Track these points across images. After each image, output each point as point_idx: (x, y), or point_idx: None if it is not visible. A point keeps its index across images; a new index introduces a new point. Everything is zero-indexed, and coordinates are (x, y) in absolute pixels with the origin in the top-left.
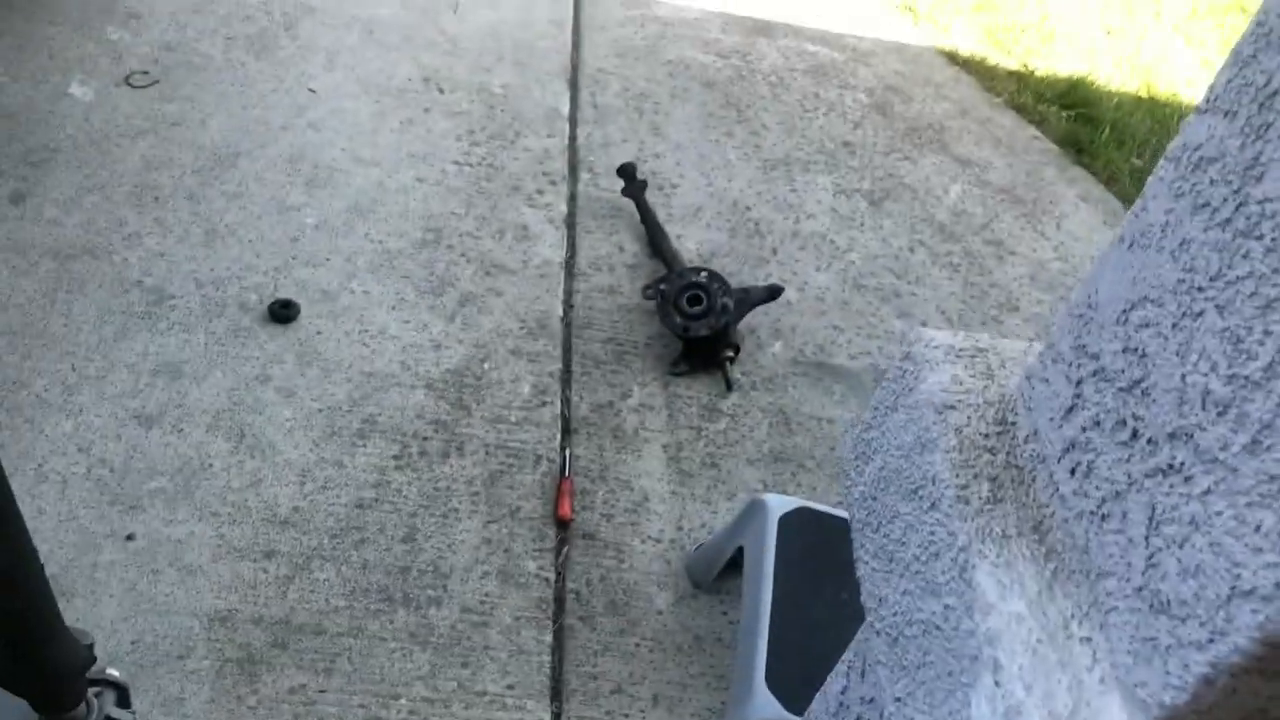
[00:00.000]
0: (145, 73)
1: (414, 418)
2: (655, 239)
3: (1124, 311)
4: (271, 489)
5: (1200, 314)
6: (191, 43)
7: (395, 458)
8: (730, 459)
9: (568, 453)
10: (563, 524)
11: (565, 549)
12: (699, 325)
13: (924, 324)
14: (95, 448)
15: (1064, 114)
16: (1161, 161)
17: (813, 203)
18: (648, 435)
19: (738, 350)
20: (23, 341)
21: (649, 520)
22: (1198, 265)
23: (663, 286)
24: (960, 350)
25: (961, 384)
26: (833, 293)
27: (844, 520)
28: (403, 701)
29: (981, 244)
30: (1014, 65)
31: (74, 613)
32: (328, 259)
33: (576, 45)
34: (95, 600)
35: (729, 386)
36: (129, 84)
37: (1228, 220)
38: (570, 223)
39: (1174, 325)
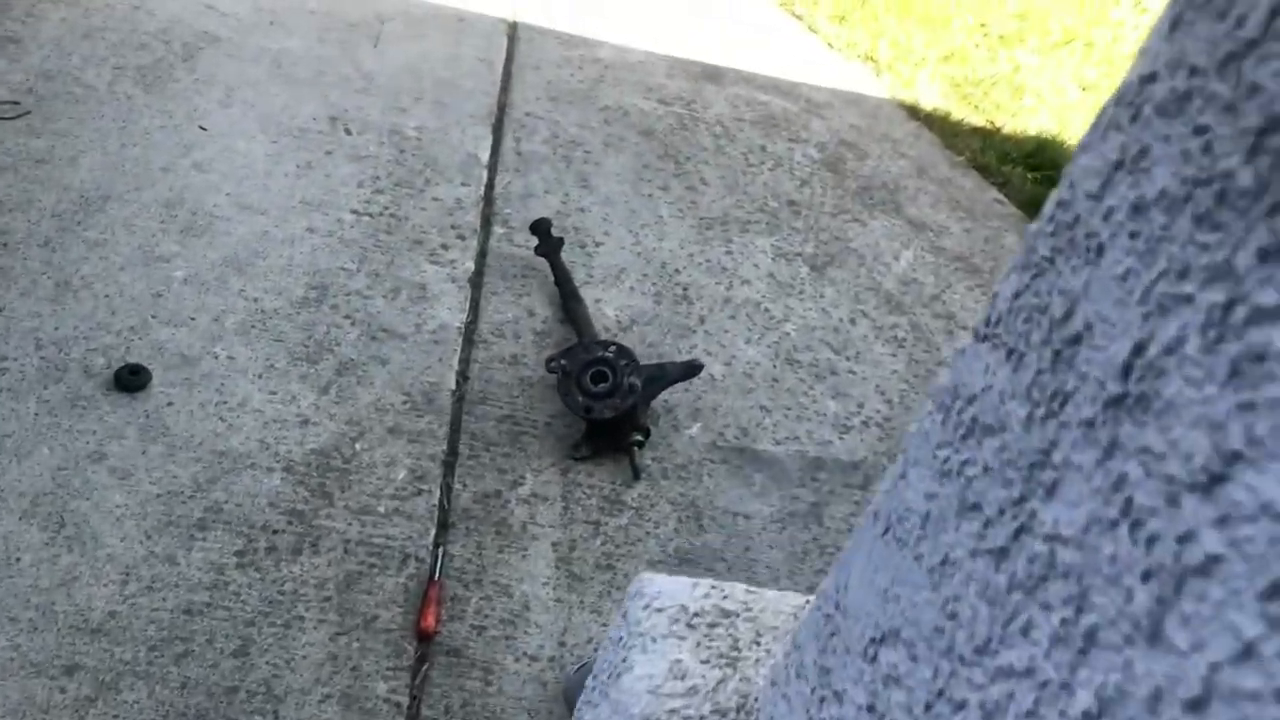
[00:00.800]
0: (15, 103)
1: (266, 506)
2: (568, 304)
3: (872, 642)
4: (87, 589)
5: (962, 705)
6: (74, 71)
7: (238, 554)
8: (629, 559)
9: (440, 551)
10: (425, 637)
11: (424, 668)
12: (603, 406)
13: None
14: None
15: (1030, 176)
16: (929, 394)
17: (749, 267)
18: (537, 531)
19: (647, 434)
20: None
21: (527, 634)
22: (962, 616)
23: (563, 361)
24: (697, 615)
25: (685, 676)
26: (762, 368)
27: None
28: None
29: (930, 317)
30: (980, 121)
31: None
32: (192, 318)
33: (506, 86)
34: None
35: (635, 475)
36: None
37: (1003, 551)
38: (476, 282)
39: (927, 704)
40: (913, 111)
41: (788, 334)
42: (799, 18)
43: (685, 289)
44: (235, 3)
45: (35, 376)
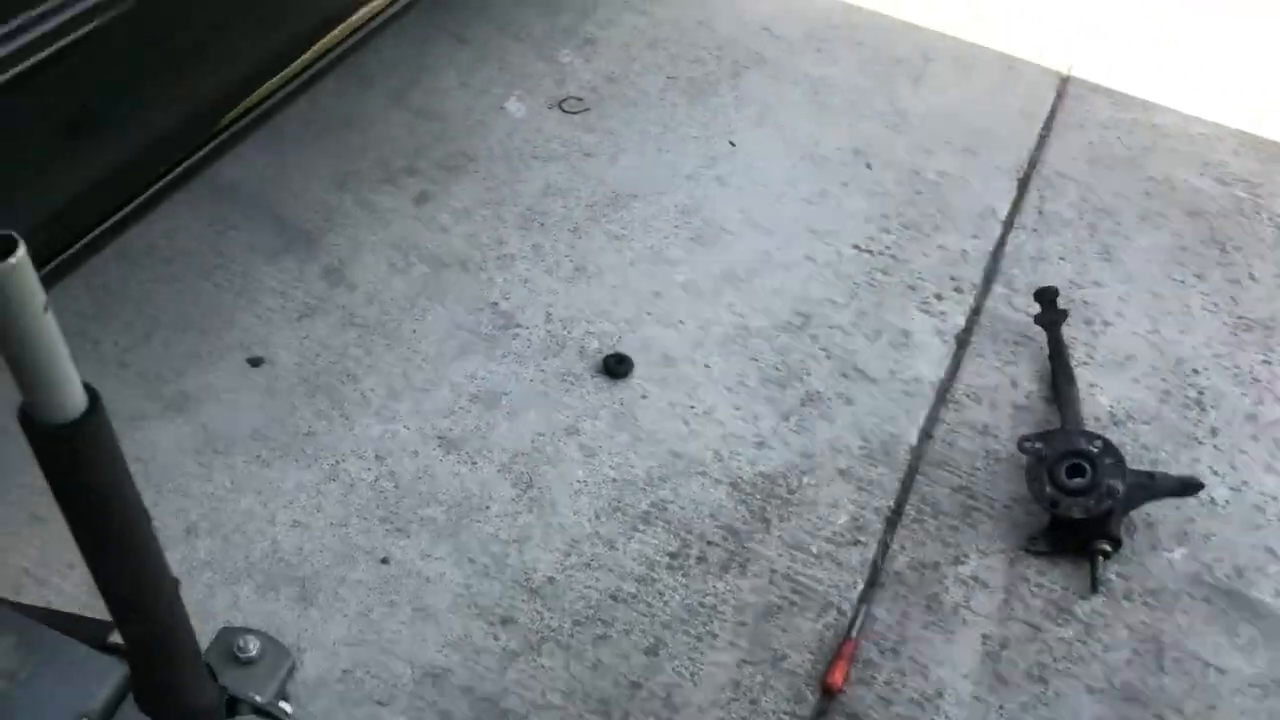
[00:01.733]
0: (579, 99)
1: (706, 516)
2: (1058, 382)
3: None
4: (535, 551)
5: None
6: (634, 76)
7: (670, 555)
8: (1066, 679)
9: (864, 609)
10: (829, 692)
11: None
12: (1073, 503)
13: None
14: (391, 459)
15: None
16: None
17: None
18: (969, 617)
19: (1118, 545)
20: (372, 337)
21: None
22: None
23: (1039, 445)
24: None
25: None
26: None
27: None
28: None
29: None
30: None
31: (305, 623)
32: (681, 322)
33: (1042, 141)
34: (329, 616)
35: (1094, 587)
36: (561, 108)
37: None
38: (963, 340)
39: None
40: None
41: None
42: None
43: (1201, 393)
44: (789, 27)
45: (539, 347)
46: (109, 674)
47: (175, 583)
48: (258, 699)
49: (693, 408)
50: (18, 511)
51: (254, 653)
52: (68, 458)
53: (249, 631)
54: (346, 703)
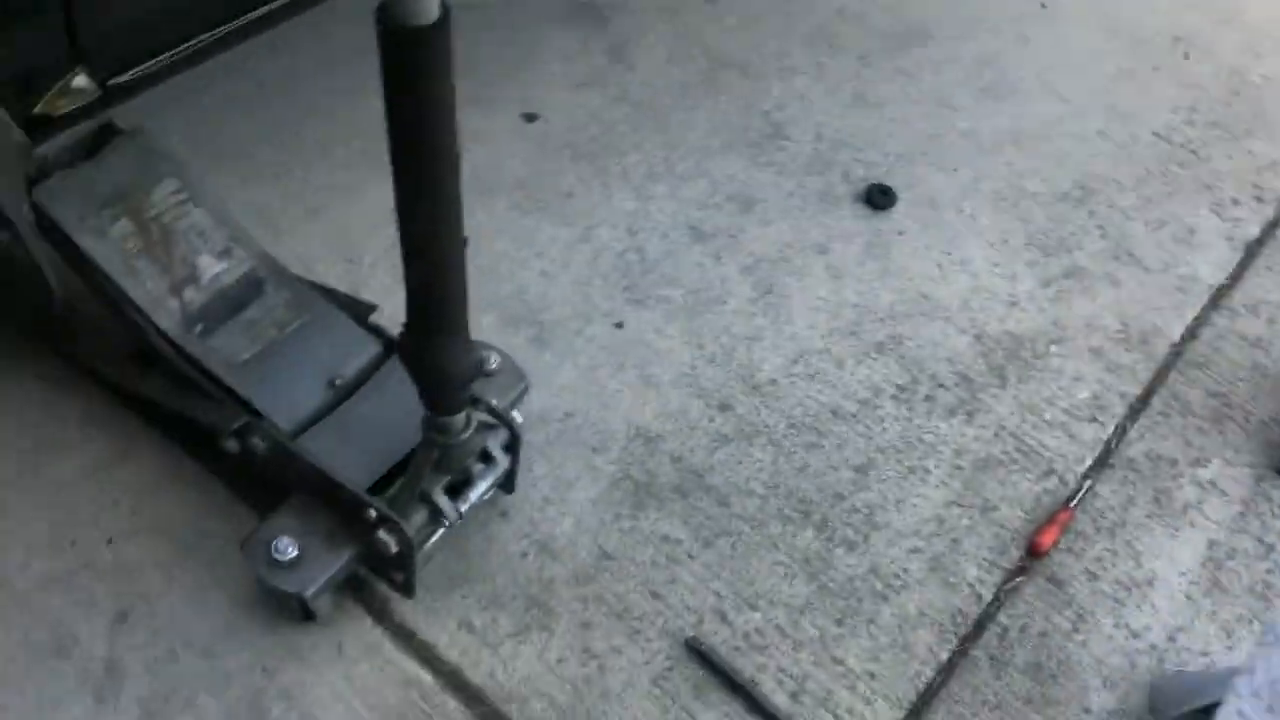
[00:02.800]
0: None
1: (943, 359)
2: None
3: None
4: (763, 351)
5: None
6: None
7: (898, 388)
8: None
9: (1088, 484)
10: (1034, 553)
11: (1019, 579)
12: None
13: None
14: (641, 235)
15: None
16: None
17: None
18: (1198, 520)
19: None
20: (641, 117)
21: (1139, 608)
22: None
23: None
24: None
25: None
26: None
27: None
28: (756, 615)
29: None
30: None
31: (538, 362)
32: (955, 170)
33: None
34: (560, 361)
35: None
36: None
37: None
38: (1253, 250)
39: None
40: None
41: None
42: None
43: None
44: None
45: (804, 162)
46: (364, 348)
47: (465, 240)
48: (493, 402)
49: (949, 254)
50: (296, 205)
51: (494, 366)
52: (416, 61)
53: (493, 348)
54: (563, 441)
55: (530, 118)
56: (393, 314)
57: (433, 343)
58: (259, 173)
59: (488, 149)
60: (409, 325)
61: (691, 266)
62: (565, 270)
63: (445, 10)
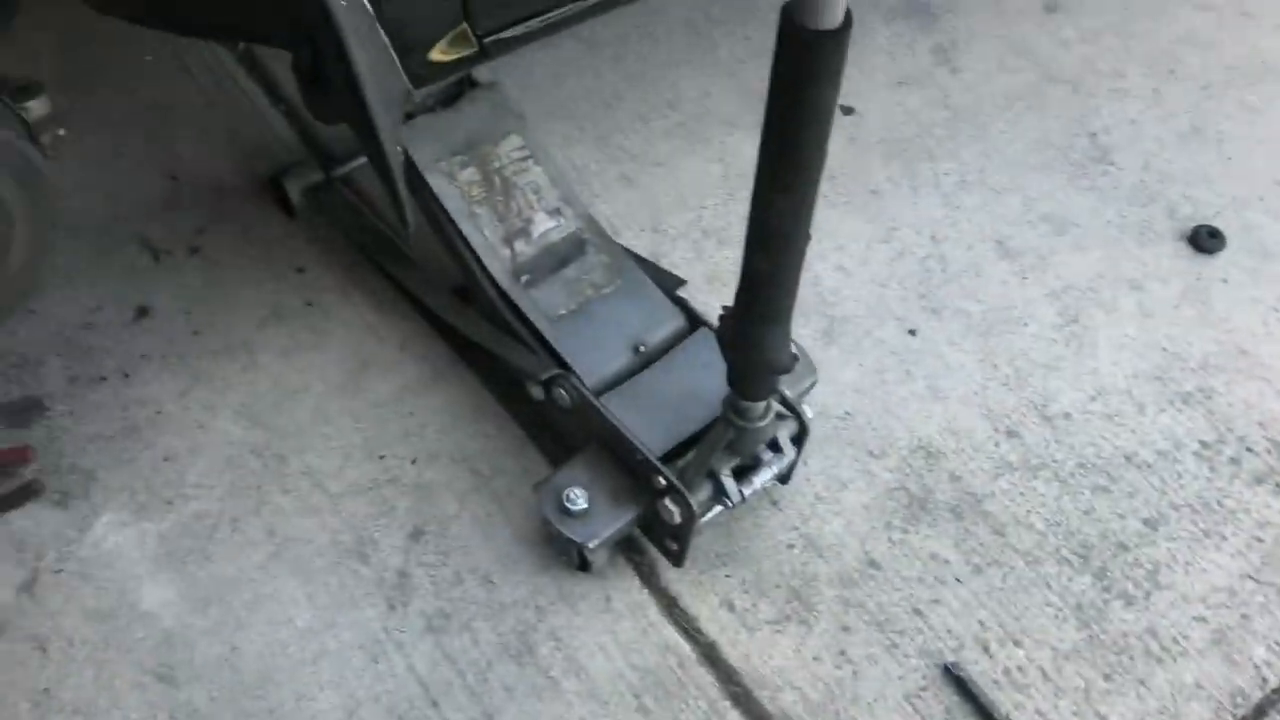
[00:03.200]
0: None
1: (1255, 422)
2: None
3: None
4: (1060, 382)
5: None
6: None
7: (1202, 444)
8: None
9: None
10: None
11: None
12: None
13: None
14: (946, 244)
15: None
16: None
17: None
18: None
19: None
20: (960, 123)
21: None
22: None
23: None
24: None
25: None
26: None
27: None
28: (1019, 653)
29: None
30: None
31: (824, 356)
32: None
33: None
34: (847, 359)
35: None
36: None
37: None
38: None
39: None
40: None
41: None
42: None
43: None
44: None
45: (1127, 191)
46: (670, 320)
47: (807, 238)
48: (786, 393)
49: (1278, 310)
50: (611, 169)
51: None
52: (812, 64)
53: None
54: (841, 440)
55: (847, 110)
56: (692, 289)
57: (757, 330)
58: (582, 134)
59: None
60: (737, 310)
61: (994, 283)
62: (863, 268)
63: (849, 17)
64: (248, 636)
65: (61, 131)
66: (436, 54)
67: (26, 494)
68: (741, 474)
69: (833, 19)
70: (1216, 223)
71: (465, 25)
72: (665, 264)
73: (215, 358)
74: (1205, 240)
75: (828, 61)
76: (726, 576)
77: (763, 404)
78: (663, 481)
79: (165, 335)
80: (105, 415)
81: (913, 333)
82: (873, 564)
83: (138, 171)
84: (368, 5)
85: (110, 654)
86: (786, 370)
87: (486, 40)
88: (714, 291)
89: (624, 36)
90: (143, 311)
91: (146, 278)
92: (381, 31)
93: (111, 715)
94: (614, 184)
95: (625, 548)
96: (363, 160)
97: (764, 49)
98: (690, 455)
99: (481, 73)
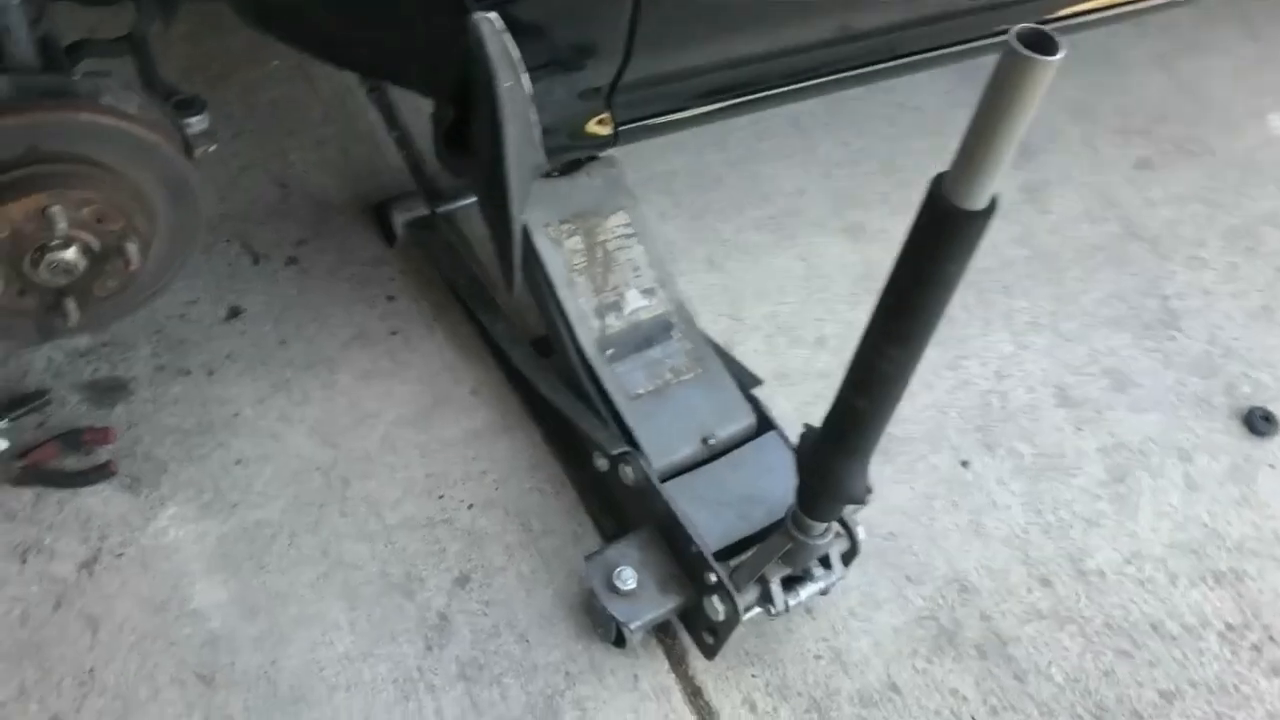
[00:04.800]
0: None
1: None
2: None
3: None
4: (1099, 539)
5: None
6: None
7: (1228, 625)
8: None
9: None
10: None
11: None
12: None
13: None
14: (1009, 381)
15: None
16: None
17: None
18: None
19: None
20: (1038, 263)
21: None
22: None
23: None
24: None
25: None
26: None
27: None
28: None
29: None
30: None
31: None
32: None
33: None
34: (899, 480)
35: None
36: None
37: None
38: None
39: None
40: None
41: None
42: None
43: None
44: None
45: (1190, 360)
46: (742, 417)
47: (902, 390)
48: (847, 516)
49: None
50: (699, 249)
51: None
52: (953, 239)
53: None
54: (882, 560)
55: None
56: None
57: (839, 461)
58: (677, 211)
59: (879, 244)
60: (823, 437)
61: (1050, 428)
62: (927, 391)
63: (994, 202)
64: (288, 652)
65: (213, 148)
66: (576, 133)
67: (101, 474)
68: (789, 583)
69: (980, 201)
70: (1272, 407)
71: (608, 114)
72: (737, 353)
73: (297, 370)
74: (1259, 422)
75: (966, 239)
76: (753, 676)
77: (826, 525)
78: (713, 579)
79: (253, 339)
80: (185, 409)
81: (965, 464)
82: (894, 688)
83: (249, 173)
84: (528, 87)
85: (157, 645)
86: (860, 503)
87: (621, 129)
88: (780, 389)
89: (732, 124)
90: (235, 312)
91: (243, 279)
92: (534, 111)
93: (149, 707)
94: (699, 264)
95: (658, 629)
96: (466, 201)
97: (861, 156)
98: (744, 557)
99: None
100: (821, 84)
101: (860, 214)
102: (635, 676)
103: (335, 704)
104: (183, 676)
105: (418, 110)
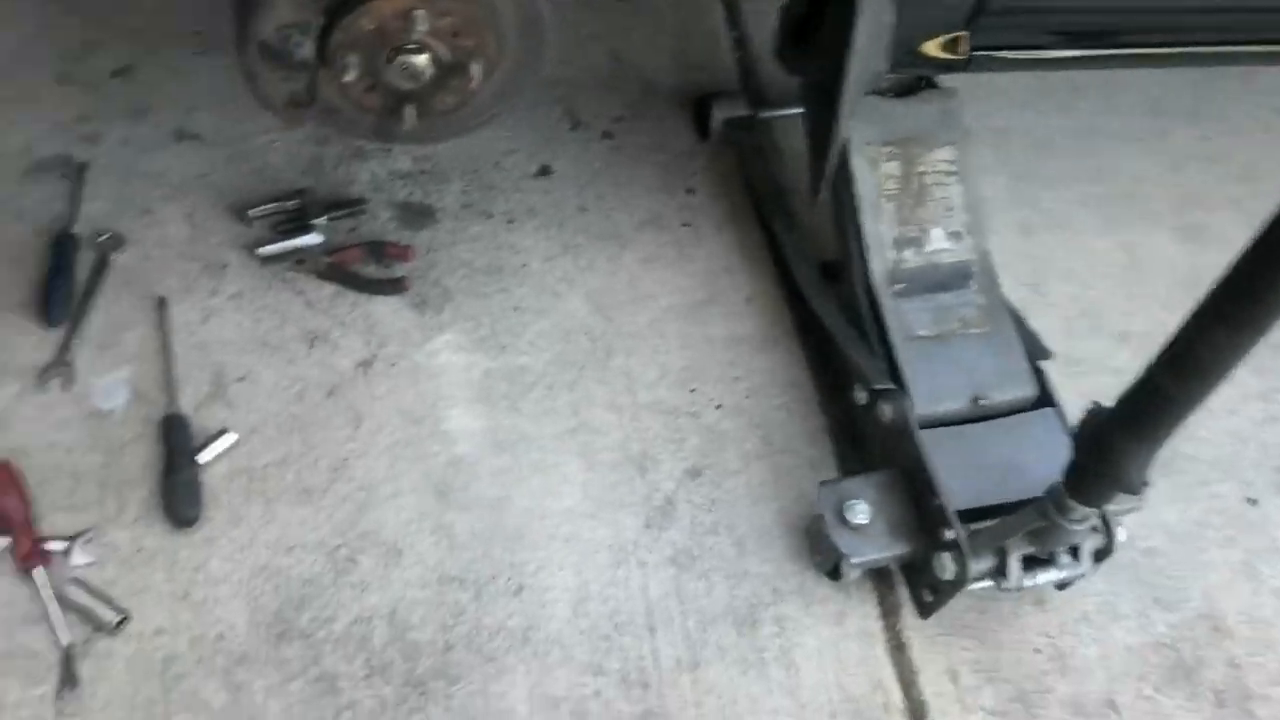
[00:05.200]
0: None
1: None
2: None
3: None
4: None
5: None
6: None
7: None
8: None
9: None
10: None
11: None
12: None
13: None
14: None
15: None
16: None
17: None
18: None
19: None
20: None
21: None
22: None
23: None
24: None
25: None
26: None
27: None
28: None
29: None
30: None
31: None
32: None
33: None
34: (1174, 498)
35: None
36: None
37: None
38: None
39: None
40: None
41: None
42: None
43: None
44: None
45: None
46: (1021, 387)
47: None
48: (1109, 510)
49: None
50: (1014, 213)
51: None
52: None
53: None
54: (1133, 574)
55: None
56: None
57: (1126, 444)
58: (1000, 167)
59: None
60: (1113, 416)
61: None
62: (1230, 416)
63: None
64: (520, 491)
65: None
66: (927, 48)
67: (395, 287)
68: (1029, 564)
69: None
70: None
71: (966, 32)
72: (1030, 325)
73: (590, 238)
74: None
75: None
76: (963, 649)
77: (1088, 510)
78: (950, 535)
79: (555, 200)
80: (480, 248)
81: (1253, 502)
82: (1112, 706)
83: (588, 43)
84: None
85: (407, 453)
86: (1135, 493)
87: (977, 53)
88: (1067, 374)
89: (1081, 89)
90: (545, 170)
91: (560, 142)
92: (892, 11)
93: (386, 505)
94: (1011, 227)
95: (875, 574)
96: (789, 111)
97: (1220, 155)
98: (989, 523)
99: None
100: (1204, 53)
101: (1203, 215)
102: (842, 613)
103: (551, 551)
104: (421, 486)
105: (761, 14)
